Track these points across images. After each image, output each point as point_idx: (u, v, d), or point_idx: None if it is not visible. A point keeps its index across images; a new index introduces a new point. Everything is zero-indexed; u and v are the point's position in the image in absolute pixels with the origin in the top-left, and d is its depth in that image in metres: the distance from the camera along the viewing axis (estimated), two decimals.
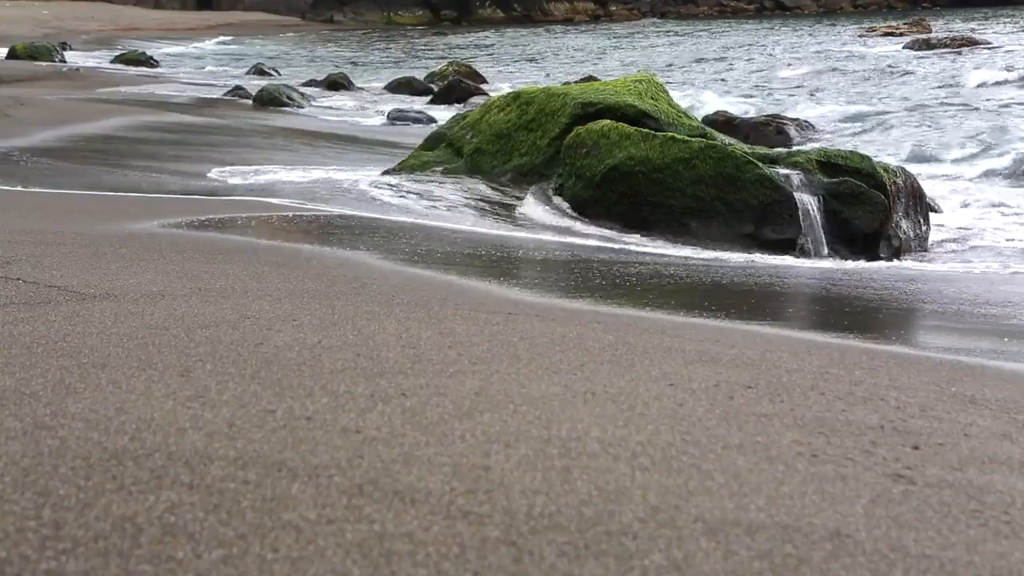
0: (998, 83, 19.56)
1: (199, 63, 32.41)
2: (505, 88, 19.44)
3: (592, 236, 7.49)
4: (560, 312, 4.20)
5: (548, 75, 26.87)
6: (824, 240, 7.64)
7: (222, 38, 47.24)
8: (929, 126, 15.22)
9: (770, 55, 31.50)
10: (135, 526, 1.95)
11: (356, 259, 5.26)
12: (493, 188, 8.53)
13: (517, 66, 31.58)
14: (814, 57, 29.17)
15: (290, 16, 65.45)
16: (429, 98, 20.71)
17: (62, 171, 8.83)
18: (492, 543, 1.97)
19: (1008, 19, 44.80)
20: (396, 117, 16.72)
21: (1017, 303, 5.64)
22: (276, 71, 27.32)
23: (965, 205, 9.96)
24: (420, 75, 25.33)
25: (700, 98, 18.81)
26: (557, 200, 8.17)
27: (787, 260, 7.12)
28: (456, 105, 19.11)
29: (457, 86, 20.89)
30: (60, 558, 1.83)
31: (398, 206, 7.86)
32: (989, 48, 28.33)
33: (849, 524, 2.15)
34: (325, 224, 6.76)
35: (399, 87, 23.30)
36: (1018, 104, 16.90)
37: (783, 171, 7.84)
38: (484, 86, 22.50)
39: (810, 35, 40.96)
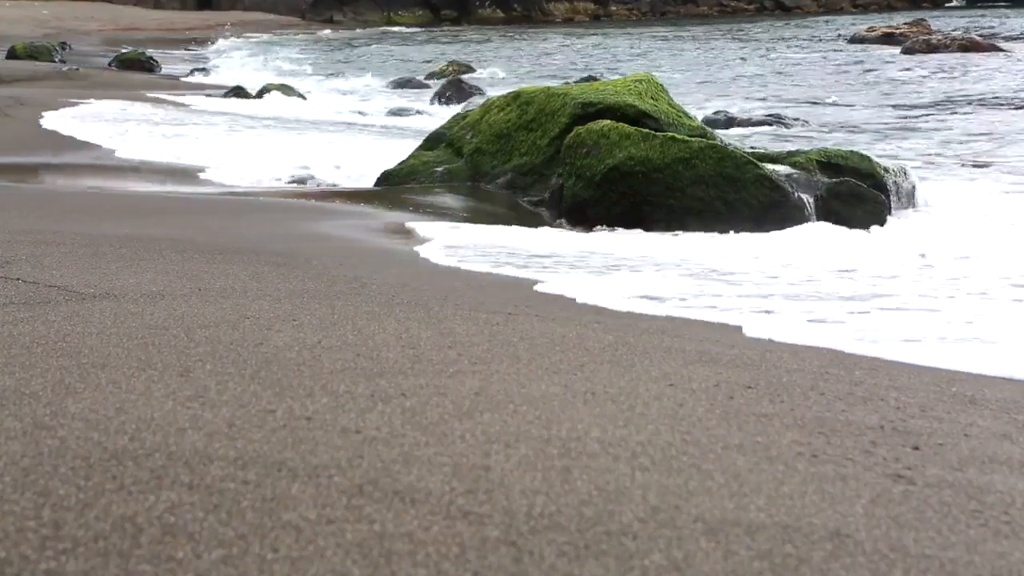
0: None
1: (199, 64, 32.40)
2: (505, 88, 19.42)
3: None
4: (560, 312, 4.20)
5: (549, 74, 26.86)
6: None
7: (220, 40, 47.20)
8: (932, 129, 15.20)
9: (769, 55, 31.49)
10: (135, 526, 1.95)
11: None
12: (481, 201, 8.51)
13: (517, 66, 31.57)
14: (814, 57, 29.17)
15: (290, 16, 65.40)
16: (429, 97, 20.70)
17: None
18: (492, 543, 1.97)
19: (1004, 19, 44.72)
20: (395, 116, 16.71)
21: None
22: (274, 71, 27.31)
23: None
24: (420, 75, 25.36)
25: (700, 100, 18.79)
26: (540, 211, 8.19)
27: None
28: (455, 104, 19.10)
29: (457, 85, 20.87)
30: (60, 558, 1.83)
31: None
32: (997, 53, 27.84)
33: (849, 524, 2.15)
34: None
35: (398, 86, 23.31)
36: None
37: (783, 171, 7.84)
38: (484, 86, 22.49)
39: (809, 37, 40.94)
